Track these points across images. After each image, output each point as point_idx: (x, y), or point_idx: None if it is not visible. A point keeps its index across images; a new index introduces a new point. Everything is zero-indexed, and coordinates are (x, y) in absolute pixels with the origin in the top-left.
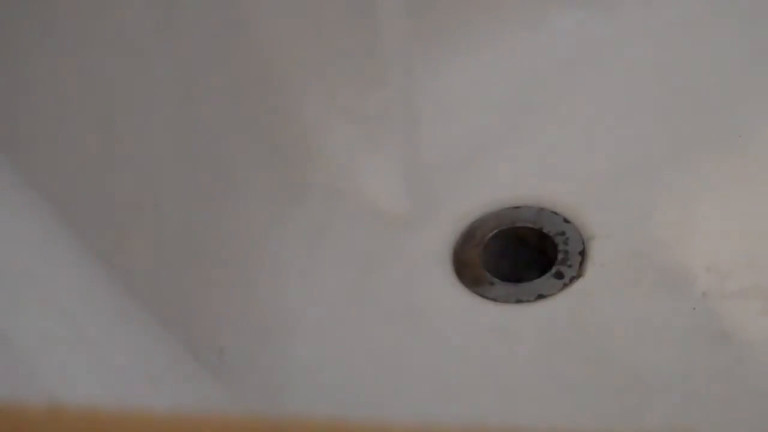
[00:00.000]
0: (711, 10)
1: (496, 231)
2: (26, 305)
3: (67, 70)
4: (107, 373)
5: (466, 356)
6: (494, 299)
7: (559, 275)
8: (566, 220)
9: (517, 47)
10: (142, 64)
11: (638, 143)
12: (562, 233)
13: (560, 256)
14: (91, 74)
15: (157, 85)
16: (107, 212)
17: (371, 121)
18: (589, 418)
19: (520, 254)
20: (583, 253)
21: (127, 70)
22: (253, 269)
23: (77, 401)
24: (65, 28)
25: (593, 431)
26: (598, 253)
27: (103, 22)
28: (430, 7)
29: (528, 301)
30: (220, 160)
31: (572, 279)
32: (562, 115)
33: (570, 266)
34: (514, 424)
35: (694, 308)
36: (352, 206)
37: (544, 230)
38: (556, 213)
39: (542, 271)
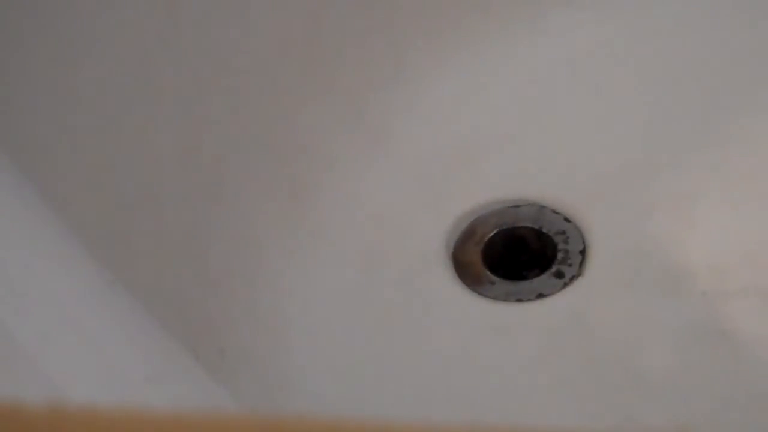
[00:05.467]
0: (712, 9)
1: (496, 230)
2: (26, 305)
3: (69, 70)
4: (107, 373)
5: (466, 355)
6: (494, 298)
7: (560, 274)
8: (567, 219)
9: (517, 47)
10: (143, 65)
11: (639, 143)
12: (563, 232)
13: (560, 256)
14: (92, 75)
15: (158, 86)
16: (108, 212)
17: (371, 121)
18: (589, 418)
19: (521, 253)
20: (583, 253)
21: (129, 71)
22: (252, 269)
23: (77, 401)
24: (68, 29)
25: (593, 431)
26: (598, 253)
27: (105, 23)
28: (430, 7)
29: (528, 300)
30: (220, 159)
31: (572, 278)
32: (562, 115)
33: (570, 265)
34: (514, 424)
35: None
36: (352, 206)
37: (545, 229)
38: (556, 212)
39: (542, 271)
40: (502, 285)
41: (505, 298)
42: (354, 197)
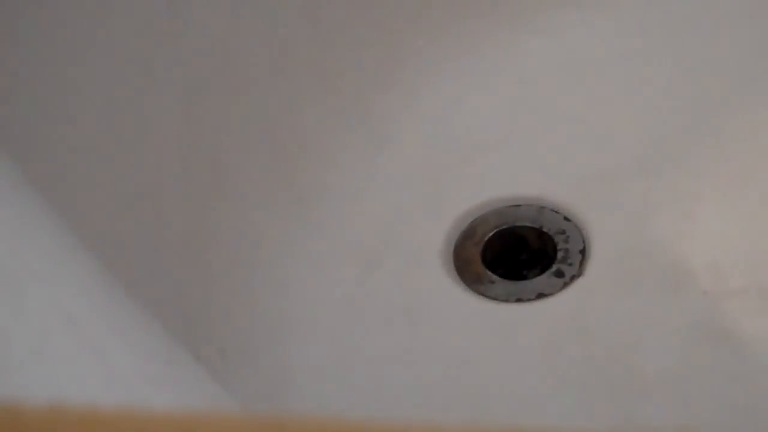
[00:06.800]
0: (712, 9)
1: (496, 229)
2: (26, 305)
3: (69, 70)
4: (107, 373)
5: (466, 355)
6: (495, 298)
7: (560, 274)
8: (567, 219)
9: (517, 47)
10: (144, 65)
11: (639, 142)
12: (563, 232)
13: (561, 255)
14: (93, 75)
15: (159, 85)
16: (108, 212)
17: (372, 121)
18: (589, 418)
19: (521, 253)
20: (583, 252)
21: (129, 71)
22: (253, 269)
23: (77, 401)
24: (68, 29)
25: (593, 431)
26: (598, 252)
27: (105, 22)
28: (430, 7)
29: (528, 299)
30: (220, 159)
31: (573, 278)
32: (562, 114)
33: (570, 265)
34: (514, 424)
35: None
36: (352, 205)
37: (545, 229)
38: (556, 211)
39: (543, 270)
40: (502, 284)
41: (505, 297)
42: (354, 197)
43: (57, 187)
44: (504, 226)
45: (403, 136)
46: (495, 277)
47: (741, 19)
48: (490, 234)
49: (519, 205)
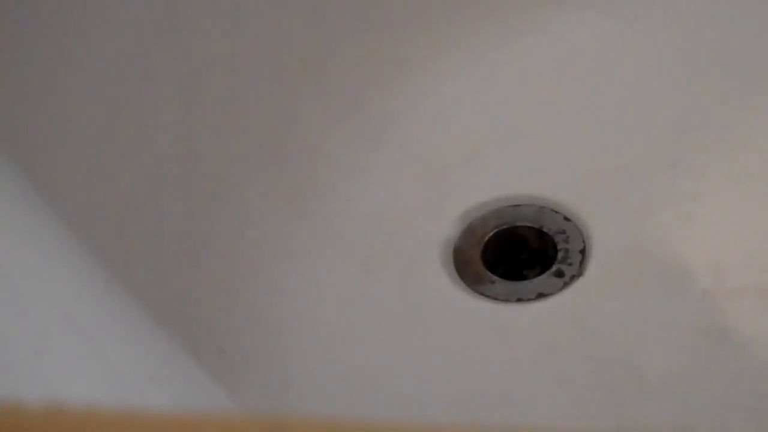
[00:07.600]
0: (711, 9)
1: (496, 229)
2: (26, 305)
3: (68, 69)
4: (107, 373)
5: (466, 355)
6: (494, 298)
7: (560, 274)
8: (566, 219)
9: (517, 46)
10: (143, 64)
11: (639, 142)
12: (563, 232)
13: (561, 255)
14: (92, 75)
15: (158, 85)
16: (107, 212)
17: (371, 121)
18: (589, 418)
19: (521, 253)
20: (583, 252)
21: (129, 71)
22: (253, 269)
23: (77, 401)
24: (67, 29)
25: (593, 431)
26: (598, 252)
27: (104, 22)
28: (430, 7)
29: (528, 299)
30: (220, 159)
31: (573, 278)
32: (562, 114)
33: (570, 265)
34: (514, 424)
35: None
36: (352, 206)
37: (545, 229)
38: (556, 211)
39: (543, 270)
40: (502, 284)
41: (506, 297)
42: (354, 197)
43: (57, 187)
44: (504, 226)
45: (403, 136)
46: (495, 277)
47: (741, 19)
48: (490, 234)
49: (519, 205)
